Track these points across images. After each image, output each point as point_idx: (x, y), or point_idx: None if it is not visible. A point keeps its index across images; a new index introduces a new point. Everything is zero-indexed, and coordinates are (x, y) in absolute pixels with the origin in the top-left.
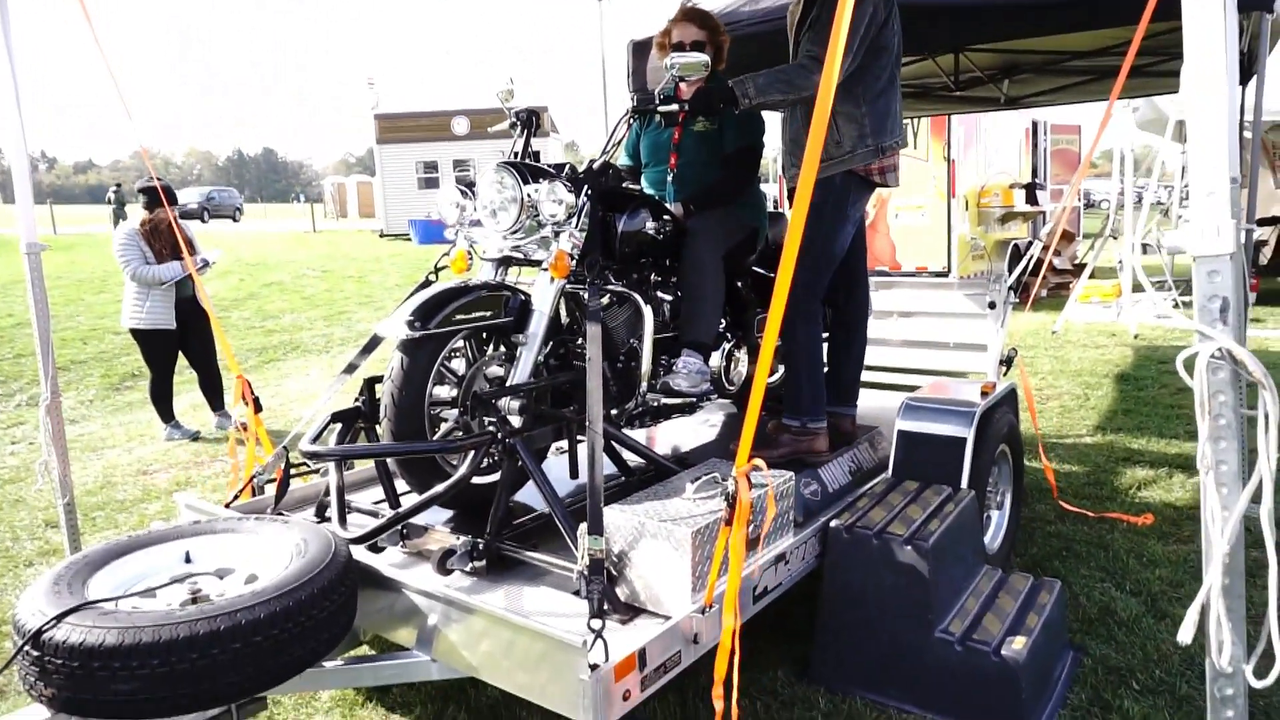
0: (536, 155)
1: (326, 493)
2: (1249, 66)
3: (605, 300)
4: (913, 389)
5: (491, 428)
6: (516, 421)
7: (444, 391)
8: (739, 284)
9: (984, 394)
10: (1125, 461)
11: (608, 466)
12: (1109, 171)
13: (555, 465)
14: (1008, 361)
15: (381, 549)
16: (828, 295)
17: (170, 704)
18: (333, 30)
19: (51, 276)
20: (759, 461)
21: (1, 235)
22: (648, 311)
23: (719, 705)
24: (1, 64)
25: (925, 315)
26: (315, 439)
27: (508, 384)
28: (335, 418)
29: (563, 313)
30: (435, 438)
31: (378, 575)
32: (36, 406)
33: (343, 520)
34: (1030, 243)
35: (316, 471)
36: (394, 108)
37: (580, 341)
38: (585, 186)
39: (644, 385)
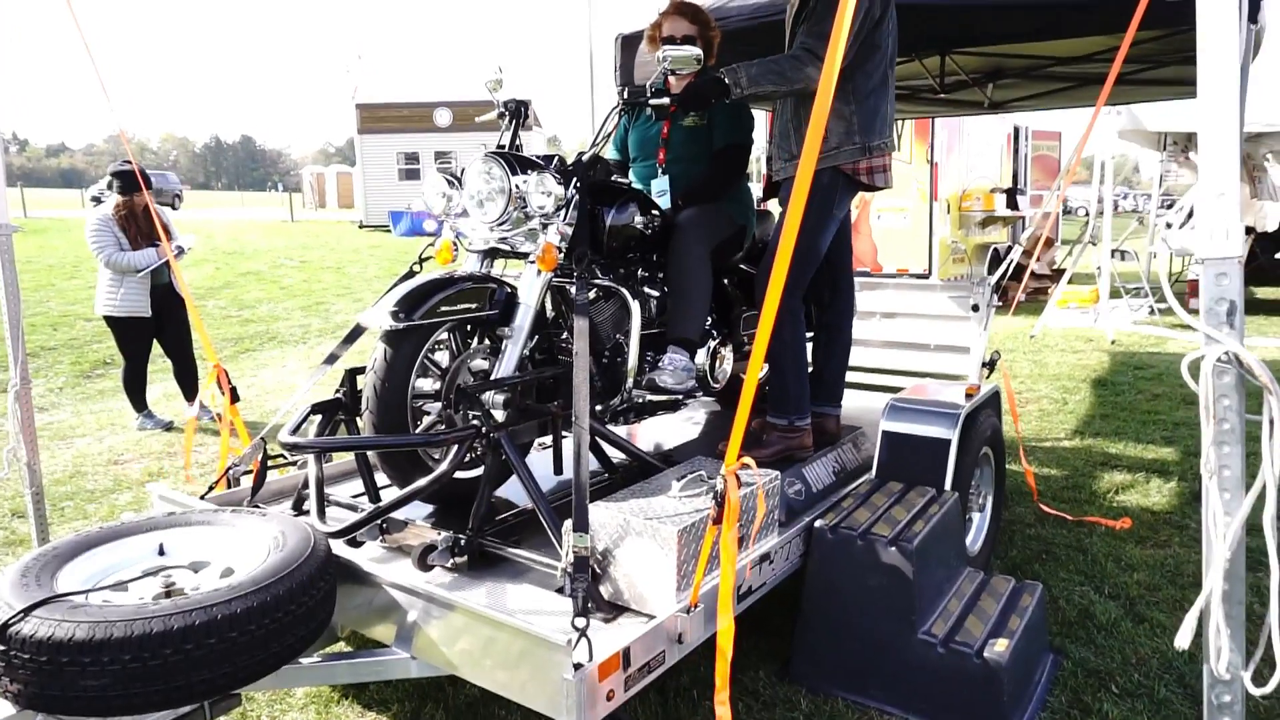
0: (520, 148)
1: (305, 485)
2: None
3: (592, 294)
4: (895, 390)
5: (475, 422)
6: (501, 416)
7: (427, 384)
8: (725, 281)
9: (968, 396)
10: (1103, 465)
11: (591, 463)
12: (1087, 179)
13: (539, 461)
14: (990, 364)
15: (361, 543)
16: (813, 294)
17: (142, 701)
18: (315, 17)
19: (21, 261)
20: (748, 460)
21: None
22: (635, 307)
23: (720, 710)
24: None
25: (907, 317)
26: (295, 430)
27: (492, 377)
28: (315, 409)
29: (549, 306)
30: (418, 431)
31: (357, 570)
32: (5, 393)
33: (321, 514)
34: (1010, 247)
35: (294, 463)
36: (376, 98)
37: (566, 336)
38: (574, 179)
39: (630, 381)
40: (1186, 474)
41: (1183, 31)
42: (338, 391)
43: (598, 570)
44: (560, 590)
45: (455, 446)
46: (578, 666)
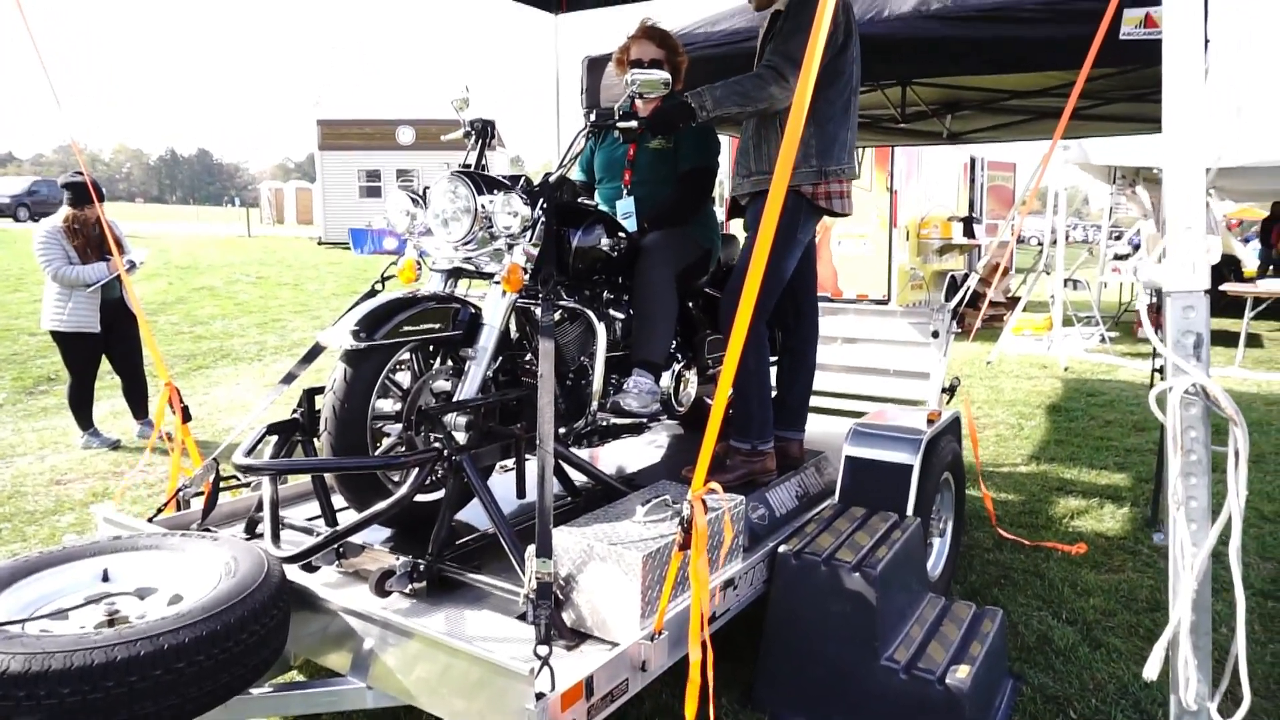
0: (485, 168)
1: (259, 508)
2: None
3: (557, 316)
4: (857, 414)
5: (437, 444)
6: (463, 438)
7: (388, 405)
8: (690, 305)
9: (930, 422)
10: (1058, 491)
11: (555, 486)
12: (1041, 210)
13: (501, 484)
14: (951, 390)
15: (316, 568)
16: (777, 319)
17: None
18: (277, 28)
19: None
20: (714, 485)
21: None
22: (600, 329)
23: None
24: None
25: (868, 342)
26: (250, 451)
27: (455, 399)
28: (271, 429)
29: (513, 327)
30: (377, 453)
31: (311, 596)
32: None
33: (276, 538)
34: (967, 274)
35: (248, 485)
36: (338, 114)
37: (531, 357)
38: (540, 200)
39: (594, 404)
40: (1139, 500)
41: (1134, 69)
42: (295, 411)
43: (560, 596)
44: (522, 617)
45: (416, 469)
46: (540, 696)
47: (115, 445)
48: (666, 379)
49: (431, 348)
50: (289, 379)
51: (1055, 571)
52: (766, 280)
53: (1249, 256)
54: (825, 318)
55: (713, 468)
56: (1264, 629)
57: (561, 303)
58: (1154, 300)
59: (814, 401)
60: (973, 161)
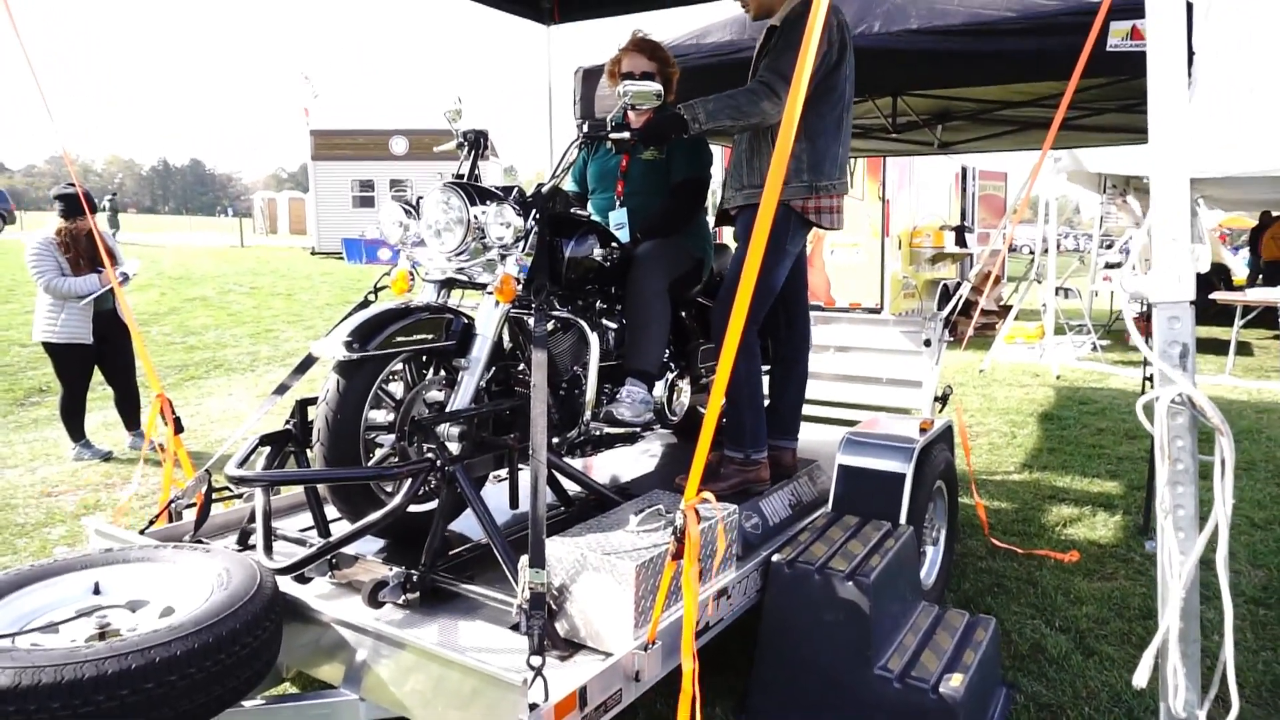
0: (478, 178)
1: (251, 519)
2: None
3: (550, 326)
4: (849, 423)
5: (430, 454)
6: (456, 448)
7: (381, 416)
8: (684, 314)
9: (922, 430)
10: (1051, 499)
11: (548, 496)
12: (1032, 219)
13: (494, 494)
14: (943, 399)
15: (309, 580)
16: (769, 329)
17: None
18: (269, 40)
19: None
20: (707, 494)
21: None
22: (593, 339)
23: None
24: None
25: (861, 350)
26: (243, 462)
27: (448, 409)
28: (264, 440)
29: (506, 338)
30: (370, 464)
31: (304, 608)
32: None
33: (268, 549)
34: (959, 283)
35: (240, 496)
36: (331, 124)
37: (523, 367)
38: (533, 210)
39: (587, 414)
40: (1131, 507)
41: (1122, 80)
42: (288, 422)
43: (554, 607)
44: (515, 627)
45: (409, 480)
46: (533, 707)
47: (107, 457)
48: (660, 388)
49: (424, 358)
50: (282, 390)
51: (1048, 579)
52: (756, 291)
53: (1238, 265)
54: (818, 326)
55: (707, 477)
56: (1256, 636)
57: (554, 313)
58: (1144, 309)
59: (807, 410)
60: (964, 171)
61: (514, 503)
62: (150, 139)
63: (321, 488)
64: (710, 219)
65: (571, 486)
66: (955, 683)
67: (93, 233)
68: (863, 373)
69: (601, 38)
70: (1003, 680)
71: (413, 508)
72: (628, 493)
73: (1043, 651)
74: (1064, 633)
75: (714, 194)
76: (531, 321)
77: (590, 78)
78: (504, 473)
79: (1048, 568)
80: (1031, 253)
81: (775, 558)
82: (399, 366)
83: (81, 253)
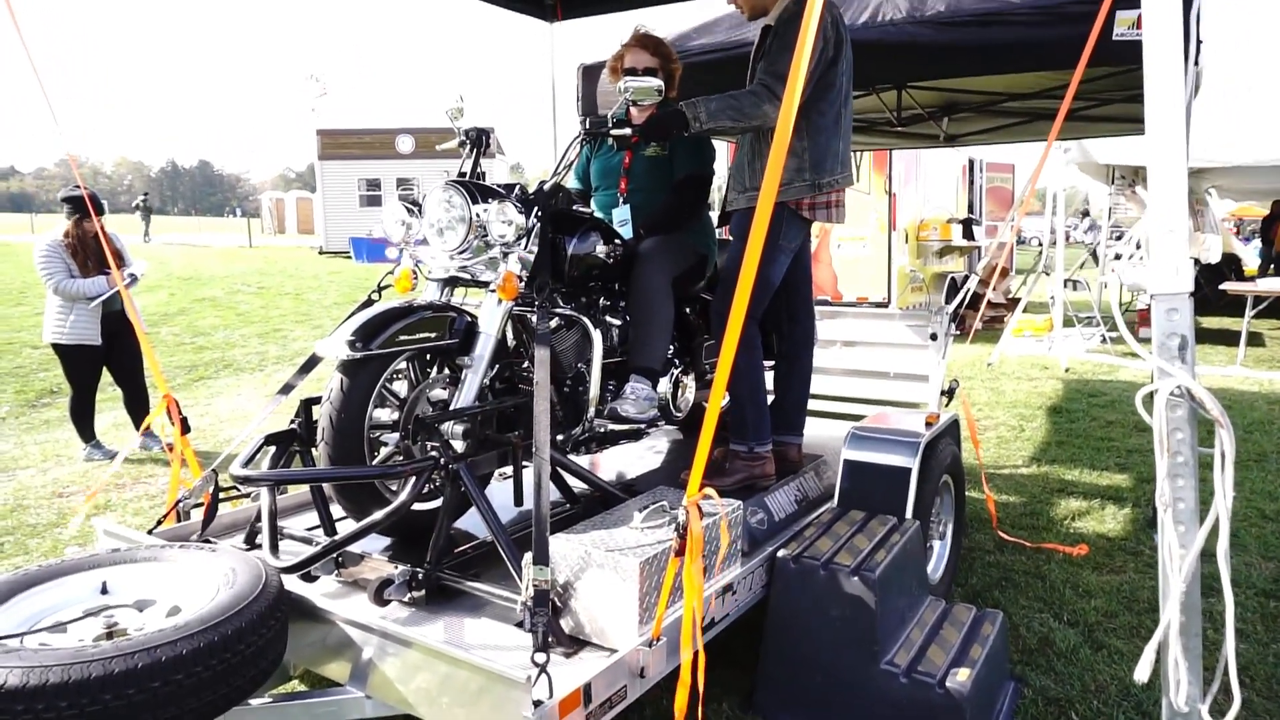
0: (483, 176)
1: (257, 518)
2: None
3: (554, 324)
4: (855, 418)
5: (434, 453)
6: (460, 446)
7: (385, 414)
8: (687, 310)
9: (928, 424)
10: (1060, 492)
11: (552, 493)
12: (1040, 210)
13: (499, 492)
14: (949, 392)
15: (315, 578)
16: (772, 324)
17: None
18: (276, 41)
19: None
20: (710, 490)
21: None
22: (597, 336)
23: None
24: None
25: (867, 345)
26: (248, 462)
27: (452, 407)
28: (269, 440)
29: (509, 336)
30: (375, 462)
31: (310, 606)
32: None
33: (274, 548)
34: (967, 276)
35: (246, 496)
36: (337, 124)
37: (527, 365)
38: (535, 208)
39: (591, 411)
40: (1140, 500)
41: (1129, 70)
42: (293, 422)
43: (558, 604)
44: (520, 625)
45: (413, 478)
46: (538, 704)
47: (115, 457)
48: (664, 385)
49: (428, 357)
50: (286, 389)
51: (1057, 573)
52: (754, 287)
53: (1249, 255)
54: (824, 321)
55: (711, 472)
56: (1266, 629)
57: (557, 310)
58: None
59: (813, 405)
60: (971, 163)
61: (518, 500)
62: (159, 140)
63: (327, 487)
64: (714, 215)
65: (576, 484)
66: (962, 677)
67: (100, 234)
68: (869, 367)
69: (604, 34)
70: (1011, 674)
71: (417, 506)
72: (632, 489)
73: (1051, 645)
74: (1072, 626)
75: (718, 190)
76: (535, 319)
77: (592, 74)
78: (508, 470)
79: (1056, 561)
80: (1040, 244)
81: (781, 553)
82: (403, 365)
83: (89, 254)
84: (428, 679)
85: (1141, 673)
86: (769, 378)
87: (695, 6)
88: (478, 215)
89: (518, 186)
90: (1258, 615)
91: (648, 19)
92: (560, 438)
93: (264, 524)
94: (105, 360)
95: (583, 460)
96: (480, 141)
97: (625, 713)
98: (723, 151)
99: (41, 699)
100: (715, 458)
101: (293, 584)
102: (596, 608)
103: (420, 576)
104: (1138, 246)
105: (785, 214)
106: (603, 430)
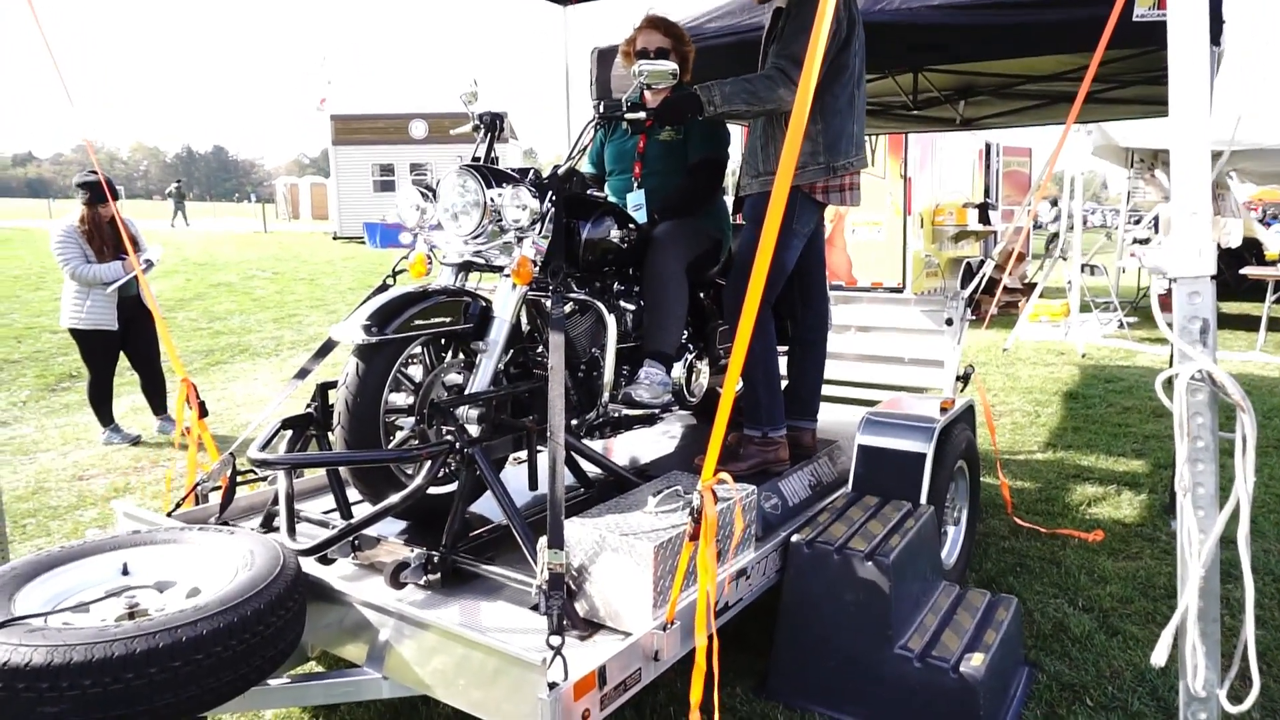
0: (496, 160)
1: (275, 501)
2: None
3: (568, 308)
4: (870, 403)
5: (449, 437)
6: (475, 430)
7: (400, 399)
8: (701, 295)
9: (943, 410)
10: (1075, 478)
11: (567, 478)
12: (1057, 195)
13: (514, 476)
14: (965, 378)
15: (332, 561)
16: (786, 309)
17: None
18: (289, 27)
19: None
20: (724, 475)
21: None
22: (611, 320)
23: None
24: None
25: (882, 330)
26: (265, 445)
27: (467, 392)
28: (286, 424)
29: (524, 320)
30: (390, 446)
31: (327, 589)
32: None
33: (292, 531)
34: (982, 261)
35: (264, 479)
36: (350, 109)
37: (541, 350)
38: (550, 192)
39: (605, 395)
40: (1157, 486)
41: (1150, 51)
42: (309, 406)
43: (573, 587)
44: (535, 608)
45: (429, 462)
46: (552, 686)
47: (136, 441)
48: (678, 370)
49: (443, 341)
50: (303, 374)
51: (1072, 559)
52: (767, 272)
53: (1271, 239)
54: (839, 306)
55: (726, 457)
56: None
57: (571, 295)
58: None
59: (827, 390)
60: (988, 147)
61: (533, 484)
62: (174, 126)
63: (343, 470)
64: (729, 200)
65: (590, 468)
66: (976, 662)
67: (115, 219)
68: (884, 353)
69: (618, 18)
70: (1025, 660)
71: (433, 490)
72: (646, 474)
73: (1065, 631)
74: (1087, 612)
75: (732, 175)
76: (549, 304)
77: (606, 58)
78: (523, 454)
79: (1071, 547)
80: (1057, 224)
81: (795, 538)
82: (418, 350)
83: (105, 239)
84: (444, 661)
85: (1159, 657)
86: (783, 363)
87: None
88: (492, 200)
89: (532, 171)
90: (1276, 602)
91: (660, 2)
92: (574, 422)
93: (281, 507)
94: (122, 345)
95: (597, 445)
96: (494, 126)
97: (641, 695)
98: (737, 136)
99: (66, 677)
100: (730, 443)
101: (310, 566)
102: (611, 591)
103: (436, 560)
104: (1155, 229)
105: (799, 199)
106: (617, 415)
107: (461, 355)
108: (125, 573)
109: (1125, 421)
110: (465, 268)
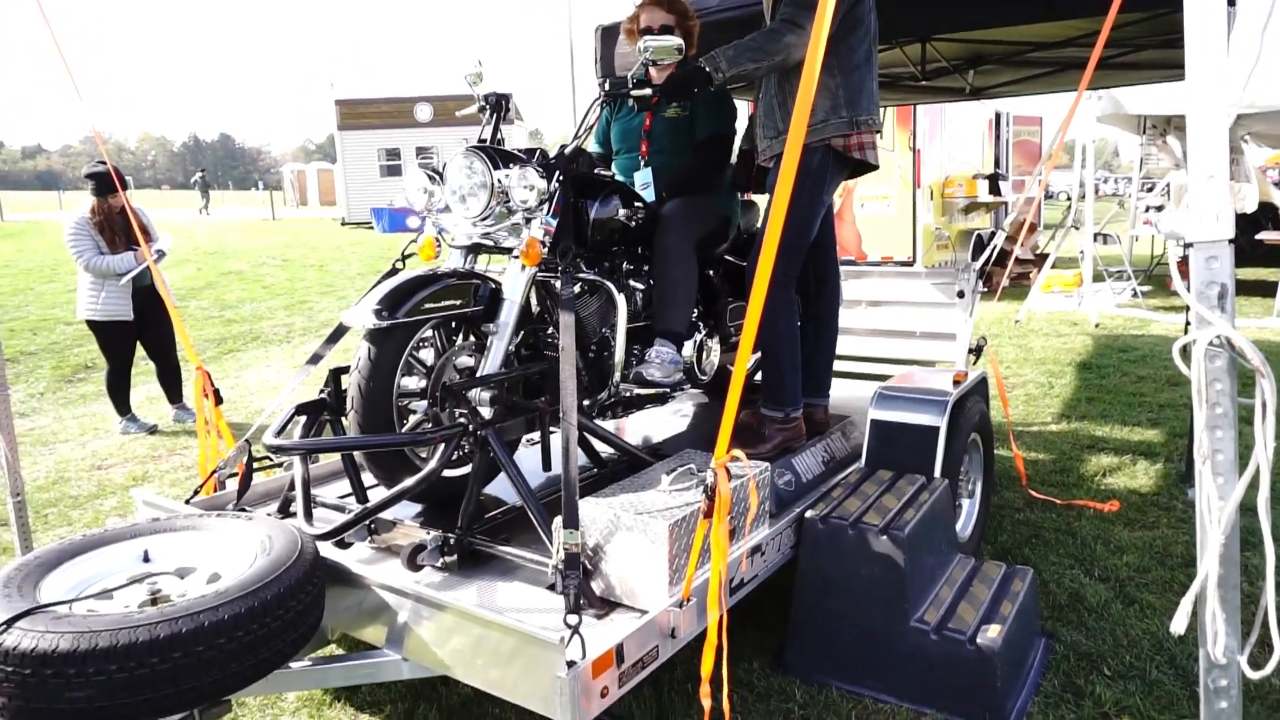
0: (502, 141)
1: (291, 487)
2: None
3: (578, 288)
4: (882, 378)
5: (462, 419)
6: (488, 413)
7: (412, 382)
8: (711, 273)
9: (956, 383)
10: (1090, 449)
11: (580, 458)
12: (1068, 164)
13: (527, 457)
14: (977, 350)
15: (349, 545)
16: (799, 285)
17: (129, 711)
18: (293, 14)
19: None
20: (738, 452)
21: None
22: (621, 300)
23: (706, 703)
24: None
25: (893, 304)
26: (279, 432)
27: (478, 374)
28: (300, 410)
29: (534, 301)
30: (404, 430)
31: (346, 572)
32: None
33: (309, 516)
34: (993, 233)
35: (280, 465)
36: (356, 94)
37: (552, 331)
38: (557, 172)
39: (617, 375)
40: (1173, 455)
41: (1163, 14)
42: (322, 391)
43: (589, 566)
44: (551, 587)
45: (443, 445)
46: (571, 664)
47: (153, 430)
48: (689, 348)
49: (454, 324)
50: (315, 360)
51: (1087, 529)
52: (794, 239)
53: None
54: (849, 281)
55: (750, 437)
56: None
57: (581, 275)
58: (1185, 254)
59: (839, 365)
60: (998, 117)
61: (546, 465)
62: (180, 115)
63: (358, 455)
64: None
65: (604, 448)
66: (992, 634)
67: (126, 210)
68: (896, 327)
69: None
70: (1041, 630)
71: (447, 472)
72: (659, 453)
73: (1082, 601)
74: (1104, 582)
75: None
76: (559, 284)
77: (610, 36)
78: (536, 436)
79: (1087, 518)
80: (1069, 198)
81: (809, 514)
82: (429, 333)
83: (117, 230)
84: (462, 641)
85: (1178, 624)
86: None
87: None
88: (499, 181)
89: (538, 151)
90: None
91: None
92: (586, 402)
93: (298, 492)
94: (138, 334)
95: (609, 424)
96: (500, 107)
97: (659, 672)
98: (744, 110)
99: (91, 663)
100: (750, 423)
101: (328, 551)
102: (626, 570)
103: (452, 542)
104: (1168, 195)
105: (830, 158)
106: (628, 394)
107: (472, 338)
108: (146, 560)
109: (1140, 391)
110: (474, 250)
